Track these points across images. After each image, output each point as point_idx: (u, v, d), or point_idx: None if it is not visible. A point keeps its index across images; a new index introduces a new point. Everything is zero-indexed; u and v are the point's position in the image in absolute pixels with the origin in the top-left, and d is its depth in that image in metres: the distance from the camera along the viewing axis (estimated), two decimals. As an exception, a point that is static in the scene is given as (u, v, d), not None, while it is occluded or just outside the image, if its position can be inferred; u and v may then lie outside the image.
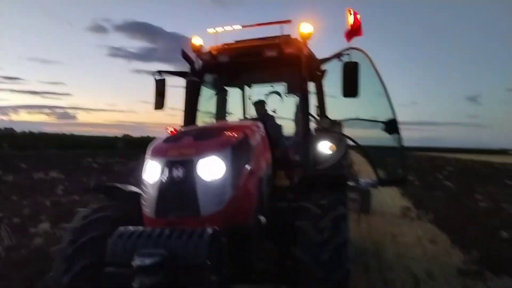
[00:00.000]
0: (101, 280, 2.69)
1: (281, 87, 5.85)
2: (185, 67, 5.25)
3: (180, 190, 2.99)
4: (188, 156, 3.04)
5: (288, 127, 5.54)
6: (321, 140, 4.79)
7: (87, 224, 3.26)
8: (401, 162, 5.67)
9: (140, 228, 2.82)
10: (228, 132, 3.43)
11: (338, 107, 5.57)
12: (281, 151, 4.80)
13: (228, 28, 5.04)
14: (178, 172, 2.98)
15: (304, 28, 4.57)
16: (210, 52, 5.02)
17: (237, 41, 5.29)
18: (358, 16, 4.52)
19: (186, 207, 2.97)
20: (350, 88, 4.17)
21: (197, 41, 5.02)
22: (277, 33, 4.95)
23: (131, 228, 2.81)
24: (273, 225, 3.46)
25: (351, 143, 5.25)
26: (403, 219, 9.70)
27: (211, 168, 3.03)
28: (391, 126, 5.18)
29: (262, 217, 3.36)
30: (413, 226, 8.88)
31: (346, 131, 5.70)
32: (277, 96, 5.81)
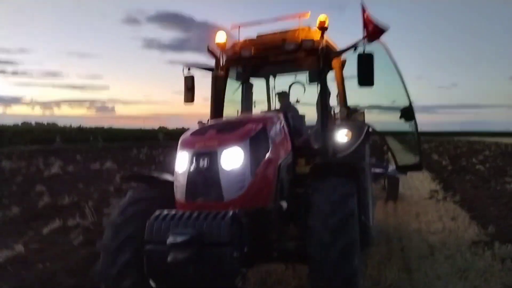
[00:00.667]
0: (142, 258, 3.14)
1: (303, 76, 6.00)
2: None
3: (205, 177, 3.35)
4: (211, 147, 3.40)
5: (313, 116, 5.72)
6: (339, 128, 4.96)
7: (126, 219, 3.57)
8: (417, 149, 5.86)
9: (173, 211, 3.20)
10: (248, 125, 3.72)
11: (360, 93, 5.62)
12: (303, 140, 5.04)
13: (249, 23, 5.42)
14: (204, 162, 3.35)
15: (320, 20, 4.80)
16: (233, 48, 5.29)
17: (259, 35, 5.50)
18: (370, 17, 4.65)
19: (211, 193, 3.33)
20: (366, 78, 4.42)
21: (221, 37, 5.25)
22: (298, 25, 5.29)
23: (165, 211, 3.19)
24: (293, 209, 3.75)
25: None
26: (429, 201, 10.16)
27: (232, 158, 3.39)
28: (407, 113, 5.43)
29: (284, 202, 3.67)
30: (438, 206, 9.36)
31: (368, 117, 5.91)
32: (302, 86, 5.96)
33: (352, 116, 5.53)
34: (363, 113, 5.91)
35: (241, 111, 6.10)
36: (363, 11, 4.73)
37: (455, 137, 76.14)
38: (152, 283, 3.17)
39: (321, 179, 3.71)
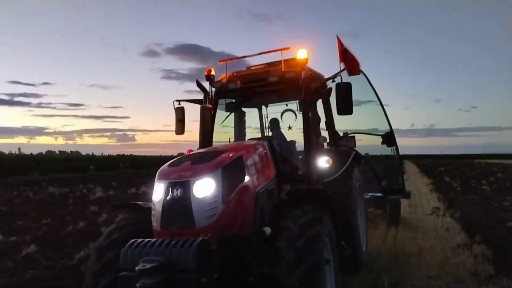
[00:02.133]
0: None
1: (295, 104, 6.10)
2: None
3: (179, 206, 3.46)
4: (185, 178, 3.52)
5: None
6: (321, 155, 5.09)
7: (110, 243, 3.72)
8: (399, 174, 6.22)
9: (146, 239, 3.26)
10: (222, 155, 3.82)
11: (351, 119, 5.59)
12: (290, 166, 5.15)
13: (235, 58, 5.72)
14: (178, 192, 3.47)
15: (300, 54, 5.02)
16: (220, 81, 5.50)
17: (248, 67, 5.77)
18: (348, 52, 4.81)
19: (184, 221, 3.43)
20: (344, 106, 4.58)
21: (209, 72, 5.46)
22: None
23: (139, 239, 3.27)
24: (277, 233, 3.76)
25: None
26: (430, 216, 10.78)
27: (204, 188, 3.49)
28: (388, 138, 5.66)
29: (267, 228, 3.71)
30: (436, 220, 10.05)
31: (362, 142, 6.00)
32: (293, 114, 6.11)
33: (341, 141, 5.80)
34: (354, 138, 5.99)
35: (235, 139, 6.27)
36: (340, 44, 4.86)
37: (475, 159, 75.22)
38: None
39: (294, 205, 3.82)
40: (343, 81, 4.63)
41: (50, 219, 10.89)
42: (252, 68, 5.70)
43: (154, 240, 3.24)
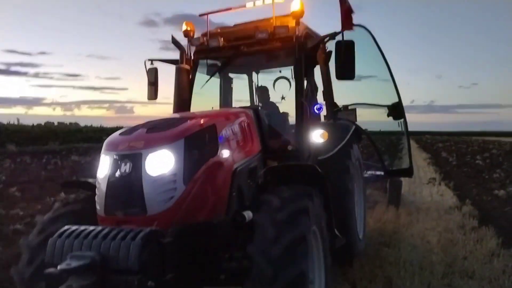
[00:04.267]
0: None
1: (289, 71, 5.12)
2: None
3: (127, 186, 2.70)
4: (136, 149, 2.74)
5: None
6: (315, 128, 4.32)
7: (55, 217, 3.04)
8: (407, 151, 5.30)
9: (82, 227, 2.52)
10: (187, 123, 3.02)
11: (344, 90, 5.05)
12: (280, 141, 4.29)
13: (218, 11, 4.68)
14: (126, 167, 2.70)
15: (294, 5, 4.07)
16: (201, 37, 4.60)
17: (235, 25, 4.83)
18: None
19: (133, 205, 2.68)
20: (345, 69, 3.75)
21: (187, 26, 4.64)
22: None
23: (74, 227, 2.53)
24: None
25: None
26: (426, 185, 11.62)
27: (159, 162, 2.70)
28: (396, 110, 4.83)
29: (248, 212, 2.91)
30: (432, 188, 10.96)
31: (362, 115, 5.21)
32: (287, 82, 5.18)
33: (340, 114, 5.00)
34: (355, 110, 5.19)
35: (220, 108, 5.36)
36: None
37: (474, 137, 76.10)
38: None
39: (271, 190, 3.00)
40: (344, 39, 3.73)
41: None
42: (237, 26, 4.79)
43: (90, 229, 2.48)
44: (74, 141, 36.23)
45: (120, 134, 3.02)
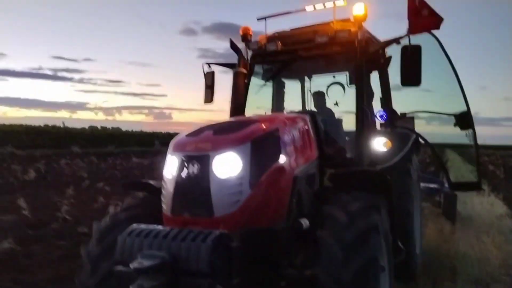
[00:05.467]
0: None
1: (343, 76, 5.05)
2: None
3: (195, 187, 2.65)
4: (204, 151, 2.68)
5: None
6: (378, 136, 4.14)
7: (114, 224, 2.99)
8: (475, 164, 4.95)
9: (151, 226, 2.49)
10: (253, 125, 2.95)
11: (409, 96, 4.82)
12: (336, 148, 4.14)
13: (277, 14, 4.53)
14: (194, 168, 2.67)
15: (357, 8, 3.92)
16: (259, 41, 4.52)
17: (292, 29, 4.68)
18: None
19: (200, 206, 2.63)
20: (411, 75, 3.56)
21: (245, 30, 4.57)
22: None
23: (142, 226, 2.51)
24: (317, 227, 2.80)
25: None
26: (476, 196, 11.37)
27: (227, 165, 2.64)
28: (464, 120, 4.47)
29: (304, 220, 2.87)
30: (482, 198, 10.97)
31: (420, 125, 4.98)
32: (341, 88, 5.08)
33: (398, 122, 4.74)
34: (413, 119, 4.94)
35: (271, 112, 5.30)
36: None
37: None
38: None
39: (341, 191, 2.91)
40: (410, 44, 3.57)
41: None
42: (296, 30, 4.66)
43: (160, 228, 2.48)
44: (127, 145, 38.55)
45: (187, 135, 2.96)
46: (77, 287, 2.93)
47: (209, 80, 4.84)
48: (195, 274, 2.23)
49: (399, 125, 4.75)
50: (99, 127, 54.41)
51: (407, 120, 4.92)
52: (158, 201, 2.95)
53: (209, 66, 4.80)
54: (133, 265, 2.20)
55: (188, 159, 2.73)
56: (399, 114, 4.86)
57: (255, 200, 2.69)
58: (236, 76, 4.56)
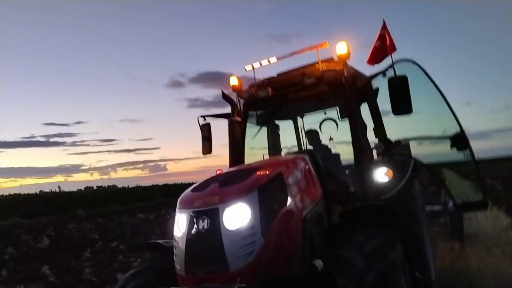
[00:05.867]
0: None
1: (334, 112, 5.20)
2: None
3: (206, 243, 2.59)
4: (212, 205, 2.64)
5: (350, 155, 4.48)
6: (378, 166, 4.10)
7: (137, 272, 3.07)
8: (478, 182, 4.93)
9: None
10: (257, 173, 2.93)
11: (402, 124, 4.71)
12: (338, 183, 4.19)
13: (264, 62, 4.61)
14: (204, 223, 2.61)
15: (340, 48, 4.04)
16: (249, 89, 4.60)
17: (278, 74, 4.79)
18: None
19: (214, 262, 2.56)
20: (401, 104, 3.62)
21: (234, 80, 4.65)
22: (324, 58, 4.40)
23: None
24: (330, 265, 2.76)
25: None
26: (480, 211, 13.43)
27: (237, 216, 2.61)
28: (459, 140, 4.47)
29: (318, 262, 2.71)
30: (485, 212, 10.90)
31: (415, 150, 4.96)
32: (333, 123, 5.19)
33: (394, 150, 4.75)
34: (408, 145, 4.98)
35: (269, 156, 5.34)
36: (384, 28, 4.07)
37: None
38: None
39: (352, 229, 2.89)
40: (396, 75, 3.68)
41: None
42: (283, 74, 4.76)
43: None
44: (128, 201, 38.49)
45: (193, 190, 2.93)
46: None
47: (206, 132, 4.91)
48: None
49: (396, 153, 4.78)
50: (94, 187, 53.72)
51: (402, 147, 4.97)
52: (168, 261, 2.92)
53: (204, 119, 4.89)
54: None
55: (197, 215, 2.67)
56: (393, 142, 4.88)
57: (269, 248, 2.63)
58: (232, 125, 4.66)
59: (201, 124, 4.88)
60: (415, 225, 3.96)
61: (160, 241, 3.42)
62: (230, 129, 4.66)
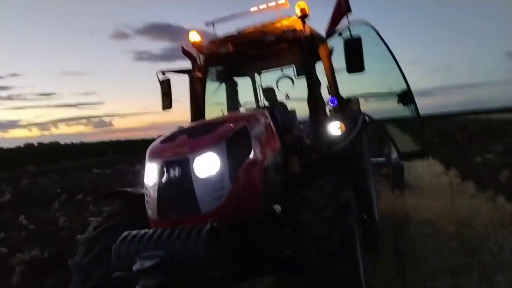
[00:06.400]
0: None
1: (290, 70, 5.41)
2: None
3: (178, 189, 2.80)
4: (183, 155, 2.84)
5: (305, 111, 4.87)
6: (331, 120, 4.38)
7: (99, 233, 3.12)
8: (420, 134, 5.44)
9: (142, 231, 2.61)
10: (224, 126, 3.15)
11: (353, 81, 5.02)
12: (294, 137, 4.44)
13: (224, 18, 4.66)
14: (175, 172, 2.81)
15: (300, 7, 4.21)
16: (210, 45, 4.67)
17: (238, 31, 4.84)
18: None
19: (186, 206, 2.78)
20: (355, 63, 3.92)
21: (195, 36, 4.68)
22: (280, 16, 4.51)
23: (133, 232, 2.61)
24: (288, 212, 3.09)
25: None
26: (417, 162, 14.45)
27: (207, 165, 2.82)
28: (405, 96, 4.90)
29: (277, 206, 3.05)
30: (422, 162, 11.62)
31: (364, 106, 5.34)
32: (290, 80, 5.40)
33: (346, 106, 5.03)
34: (358, 101, 5.35)
35: (228, 112, 5.48)
36: None
37: (452, 117, 74.71)
38: None
39: (312, 176, 3.19)
40: (352, 36, 3.94)
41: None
42: (244, 31, 4.83)
43: (152, 231, 2.61)
44: (79, 158, 37.67)
45: (162, 142, 3.11)
46: (71, 267, 3.10)
47: (165, 87, 4.95)
48: (194, 266, 2.39)
49: (347, 109, 5.06)
50: (35, 143, 50.46)
51: (353, 103, 5.31)
52: (137, 208, 3.12)
53: (164, 74, 4.92)
54: (135, 267, 2.33)
55: (168, 165, 2.86)
56: (344, 98, 5.11)
57: (236, 193, 2.88)
58: (192, 81, 4.75)
59: (160, 79, 4.91)
60: (363, 174, 4.30)
61: (127, 189, 3.59)
62: (191, 85, 4.76)
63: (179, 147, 2.94)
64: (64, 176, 20.83)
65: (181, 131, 3.26)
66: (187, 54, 4.73)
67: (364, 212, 3.69)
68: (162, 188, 2.85)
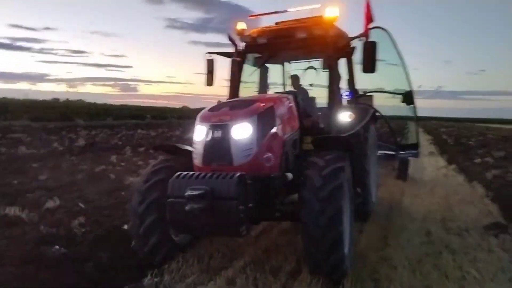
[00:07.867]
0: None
1: (316, 62, 6.02)
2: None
3: (219, 146, 3.69)
4: (225, 121, 3.72)
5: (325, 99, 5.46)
6: (344, 110, 4.97)
7: (157, 170, 4.07)
8: (415, 131, 6.28)
9: (191, 172, 3.56)
10: (257, 103, 3.95)
11: (371, 78, 5.43)
12: (311, 120, 5.09)
13: (264, 14, 5.41)
14: (218, 133, 3.72)
15: (329, 12, 4.79)
16: (250, 35, 5.34)
17: (276, 23, 5.50)
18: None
19: (223, 158, 3.68)
20: (369, 65, 4.52)
21: (240, 26, 5.32)
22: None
23: (185, 172, 3.55)
24: (297, 180, 3.86)
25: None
26: (427, 156, 15.01)
27: (242, 131, 3.69)
28: (408, 97, 5.64)
29: (289, 174, 3.87)
30: (431, 158, 14.56)
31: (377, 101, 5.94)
32: (315, 71, 6.02)
33: (360, 100, 5.70)
34: (371, 97, 5.96)
35: (258, 93, 6.16)
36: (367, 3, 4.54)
37: (477, 123, 70.41)
38: (173, 230, 3.88)
39: (317, 154, 3.85)
40: (370, 40, 4.49)
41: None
42: (281, 24, 5.51)
43: (198, 172, 3.52)
44: (122, 118, 37.82)
45: (209, 110, 3.98)
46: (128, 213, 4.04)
47: (210, 66, 5.60)
48: (226, 198, 3.25)
49: (361, 102, 5.75)
50: (60, 99, 50.77)
51: (367, 98, 5.95)
52: (184, 159, 4.09)
53: (210, 55, 5.63)
54: (187, 193, 3.23)
55: (213, 127, 3.73)
56: (360, 93, 5.80)
57: (260, 155, 3.70)
58: (233, 64, 5.40)
59: (207, 59, 5.58)
60: (363, 157, 4.99)
61: (177, 144, 4.57)
62: (232, 67, 5.41)
63: (223, 115, 3.80)
64: (115, 132, 21.86)
65: (224, 104, 4.12)
66: (231, 40, 5.37)
67: (358, 186, 4.45)
68: (207, 144, 3.72)
